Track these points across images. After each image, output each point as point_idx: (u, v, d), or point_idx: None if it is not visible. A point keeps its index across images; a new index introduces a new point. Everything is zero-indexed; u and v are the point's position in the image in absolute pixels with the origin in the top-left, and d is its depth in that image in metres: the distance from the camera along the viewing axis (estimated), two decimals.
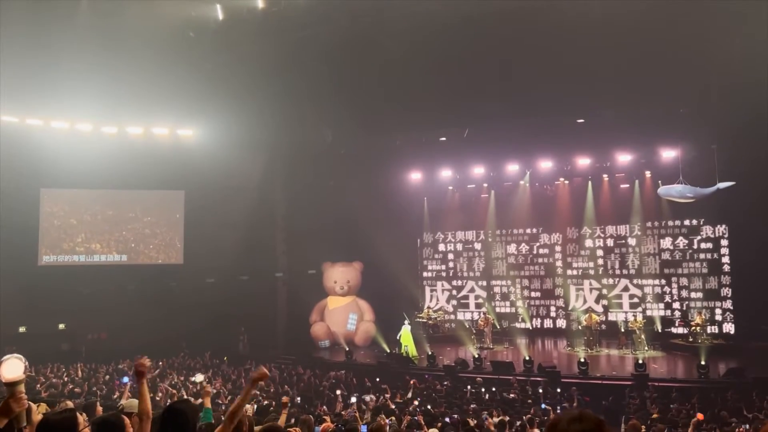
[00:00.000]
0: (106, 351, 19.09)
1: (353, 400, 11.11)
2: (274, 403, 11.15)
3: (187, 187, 23.21)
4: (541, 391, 13.31)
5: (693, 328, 18.00)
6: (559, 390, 13.75)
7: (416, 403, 11.65)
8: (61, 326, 21.29)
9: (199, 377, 10.30)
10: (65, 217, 22.40)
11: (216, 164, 21.27)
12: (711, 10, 13.43)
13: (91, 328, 21.23)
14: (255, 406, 9.76)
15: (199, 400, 9.45)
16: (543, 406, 11.44)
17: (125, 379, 12.70)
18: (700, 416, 9.01)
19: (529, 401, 12.49)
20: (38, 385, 12.41)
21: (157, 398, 11.32)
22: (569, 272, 22.28)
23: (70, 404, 6.94)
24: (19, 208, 20.21)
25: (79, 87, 17.82)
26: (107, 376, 15.29)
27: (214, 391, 12.67)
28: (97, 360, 17.93)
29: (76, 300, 20.49)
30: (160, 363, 17.55)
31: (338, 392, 11.68)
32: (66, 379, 14.68)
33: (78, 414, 3.45)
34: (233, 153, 21.80)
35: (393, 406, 10.87)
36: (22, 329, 20.38)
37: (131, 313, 20.25)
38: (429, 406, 11.11)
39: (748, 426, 9.56)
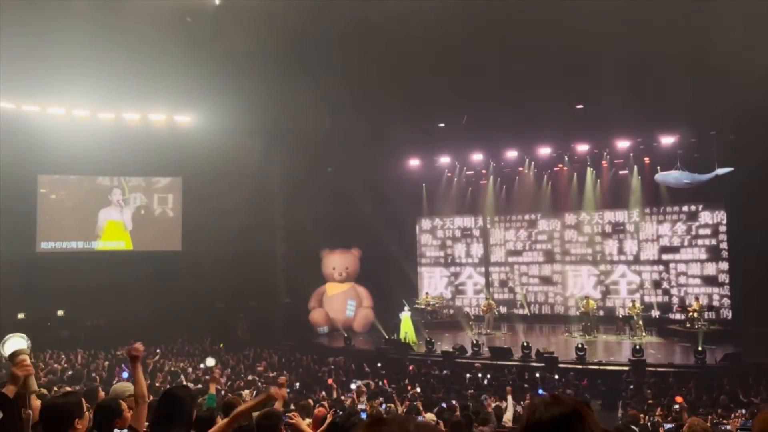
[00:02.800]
0: (105, 337, 19.13)
1: (353, 386, 11.15)
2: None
3: (185, 174, 23.16)
4: (538, 375, 13.37)
5: (690, 313, 18.05)
6: (557, 376, 13.82)
7: (417, 390, 11.71)
8: (60, 313, 21.32)
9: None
10: (63, 203, 22.36)
11: (214, 150, 21.19)
12: None
13: (90, 314, 21.25)
14: (254, 392, 9.82)
15: (199, 386, 9.49)
16: (540, 392, 11.47)
17: (125, 375, 12.71)
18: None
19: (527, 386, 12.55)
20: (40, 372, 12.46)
21: (157, 384, 11.36)
22: (567, 258, 22.31)
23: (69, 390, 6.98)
24: (16, 194, 20.13)
25: (75, 73, 17.68)
26: (106, 363, 15.34)
27: (224, 379, 12.75)
28: (97, 346, 17.98)
29: (75, 286, 20.48)
30: (158, 350, 17.60)
31: (330, 381, 11.70)
32: (66, 365, 14.75)
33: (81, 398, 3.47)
34: (231, 139, 21.75)
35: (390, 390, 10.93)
36: (21, 316, 20.39)
37: (130, 299, 20.29)
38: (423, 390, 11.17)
39: (744, 410, 9.64)
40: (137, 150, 21.37)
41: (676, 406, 9.69)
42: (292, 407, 6.98)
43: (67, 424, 3.01)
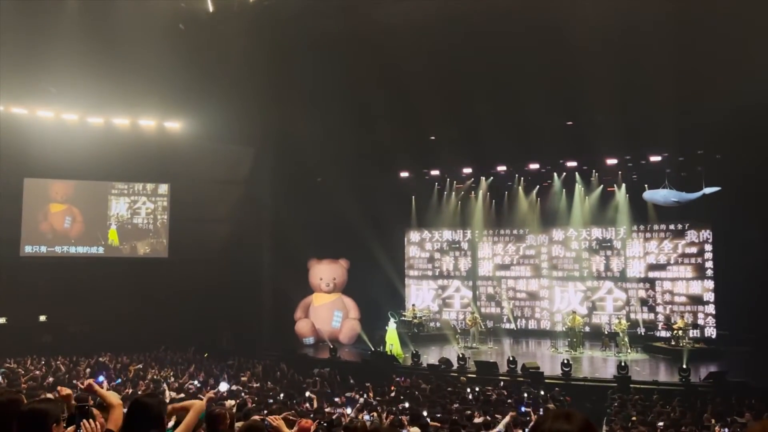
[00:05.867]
0: (88, 344, 18.89)
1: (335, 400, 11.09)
2: (256, 398, 11.11)
3: (173, 181, 23.04)
4: (525, 395, 13.28)
5: (675, 331, 18.16)
6: (542, 392, 13.76)
7: (403, 405, 11.61)
8: (42, 318, 21.05)
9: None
10: (48, 207, 22.15)
11: (203, 158, 21.15)
12: (700, 17, 13.53)
13: (73, 320, 20.98)
14: (236, 403, 9.70)
15: (181, 395, 9.37)
16: (522, 409, 11.34)
17: (101, 378, 12.56)
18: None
19: (511, 401, 12.49)
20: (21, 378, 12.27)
21: (140, 392, 11.21)
22: (554, 273, 22.38)
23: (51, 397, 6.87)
24: (1, 197, 19.95)
25: (65, 77, 17.63)
26: (88, 369, 15.13)
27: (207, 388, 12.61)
28: (79, 353, 17.75)
29: (58, 292, 20.26)
30: (143, 357, 17.43)
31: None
32: (45, 370, 14.53)
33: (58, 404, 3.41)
34: (220, 147, 21.71)
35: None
36: (2, 320, 20.14)
37: (114, 306, 20.07)
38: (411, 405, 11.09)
39: (727, 429, 9.66)
40: (126, 155, 21.29)
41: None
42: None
43: (45, 428, 2.95)
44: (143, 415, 3.27)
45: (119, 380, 12.75)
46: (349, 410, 9.45)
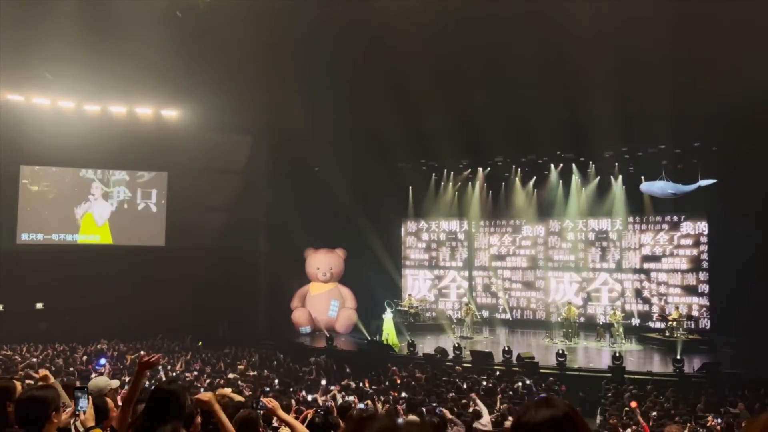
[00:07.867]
0: (85, 331, 18.91)
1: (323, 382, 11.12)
2: (253, 387, 11.17)
3: (170, 169, 22.96)
4: (519, 384, 13.35)
5: (670, 323, 18.27)
6: (530, 382, 13.82)
7: (402, 394, 11.68)
8: (39, 305, 21.06)
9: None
10: (44, 194, 22.09)
11: (200, 147, 21.08)
12: (695, 13, 13.52)
13: (69, 307, 20.97)
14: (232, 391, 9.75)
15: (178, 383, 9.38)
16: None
17: (102, 361, 12.56)
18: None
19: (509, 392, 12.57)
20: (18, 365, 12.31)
21: None
22: (550, 264, 22.46)
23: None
24: None
25: (62, 64, 17.51)
26: (85, 357, 15.18)
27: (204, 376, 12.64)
28: (76, 340, 17.79)
29: (55, 279, 20.25)
30: (140, 345, 17.47)
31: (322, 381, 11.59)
32: (41, 357, 14.57)
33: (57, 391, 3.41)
34: (218, 136, 21.65)
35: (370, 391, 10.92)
36: None
37: (111, 293, 20.07)
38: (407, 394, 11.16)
39: (719, 420, 9.76)
40: (122, 143, 21.20)
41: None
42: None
43: (44, 416, 2.91)
44: (167, 404, 3.18)
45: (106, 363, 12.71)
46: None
